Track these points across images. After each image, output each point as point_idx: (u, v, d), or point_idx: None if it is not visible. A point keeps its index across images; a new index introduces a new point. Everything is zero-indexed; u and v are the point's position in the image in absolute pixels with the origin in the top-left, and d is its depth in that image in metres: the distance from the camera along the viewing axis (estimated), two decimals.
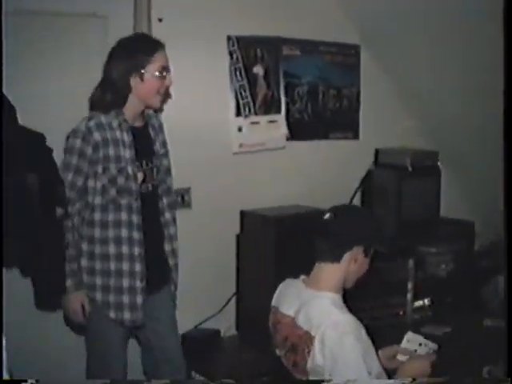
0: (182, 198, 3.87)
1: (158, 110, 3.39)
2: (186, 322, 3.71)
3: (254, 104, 4.16)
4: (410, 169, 4.39)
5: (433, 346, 2.78)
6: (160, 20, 3.69)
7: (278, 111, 4.28)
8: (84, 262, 3.06)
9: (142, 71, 2.99)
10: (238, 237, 4.01)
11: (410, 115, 4.79)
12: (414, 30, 4.07)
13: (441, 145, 4.68)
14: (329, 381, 2.31)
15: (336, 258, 2.54)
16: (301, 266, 2.67)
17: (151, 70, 3.01)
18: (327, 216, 2.58)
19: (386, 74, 4.63)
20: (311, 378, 2.42)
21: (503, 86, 2.12)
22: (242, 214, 4.01)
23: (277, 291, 2.75)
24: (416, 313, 4.28)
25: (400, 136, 4.69)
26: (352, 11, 4.30)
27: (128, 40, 3.10)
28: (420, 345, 2.77)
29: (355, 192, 4.59)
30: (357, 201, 4.60)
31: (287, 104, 4.31)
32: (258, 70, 4.17)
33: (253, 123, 4.16)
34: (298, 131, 4.38)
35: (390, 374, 2.59)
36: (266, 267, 3.75)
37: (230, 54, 4.00)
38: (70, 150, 2.98)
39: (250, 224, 3.99)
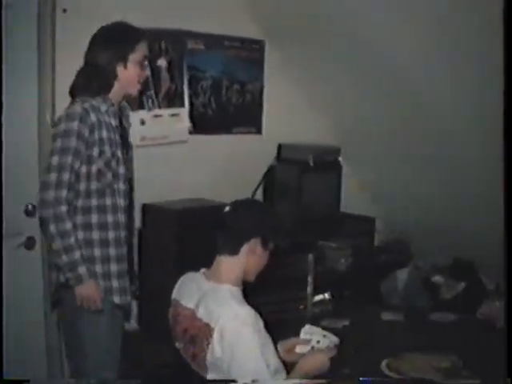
0: None
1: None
2: None
3: (157, 97, 4.13)
4: (311, 164, 4.44)
5: (335, 339, 2.80)
6: (64, 10, 3.66)
7: (182, 105, 4.27)
8: (82, 250, 2.94)
9: (126, 59, 3.00)
10: (140, 231, 3.98)
11: (315, 112, 4.83)
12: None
13: (348, 141, 4.73)
14: (234, 381, 2.32)
15: (234, 250, 2.56)
16: (202, 259, 2.67)
17: (134, 59, 3.02)
18: (226, 209, 2.62)
19: (291, 69, 4.66)
20: (210, 370, 2.42)
21: (503, 87, 2.13)
22: (144, 207, 3.98)
23: (177, 284, 2.75)
24: (316, 307, 4.30)
25: (304, 132, 4.72)
26: (258, 6, 4.31)
27: (112, 28, 3.06)
28: (324, 336, 2.79)
29: (257, 187, 4.61)
30: (259, 195, 4.62)
31: (191, 97, 4.30)
32: (162, 62, 4.14)
33: (156, 116, 4.14)
34: (201, 125, 4.37)
35: (289, 367, 2.61)
36: (167, 261, 3.74)
37: None
38: (67, 133, 2.86)
39: (152, 218, 3.97)
